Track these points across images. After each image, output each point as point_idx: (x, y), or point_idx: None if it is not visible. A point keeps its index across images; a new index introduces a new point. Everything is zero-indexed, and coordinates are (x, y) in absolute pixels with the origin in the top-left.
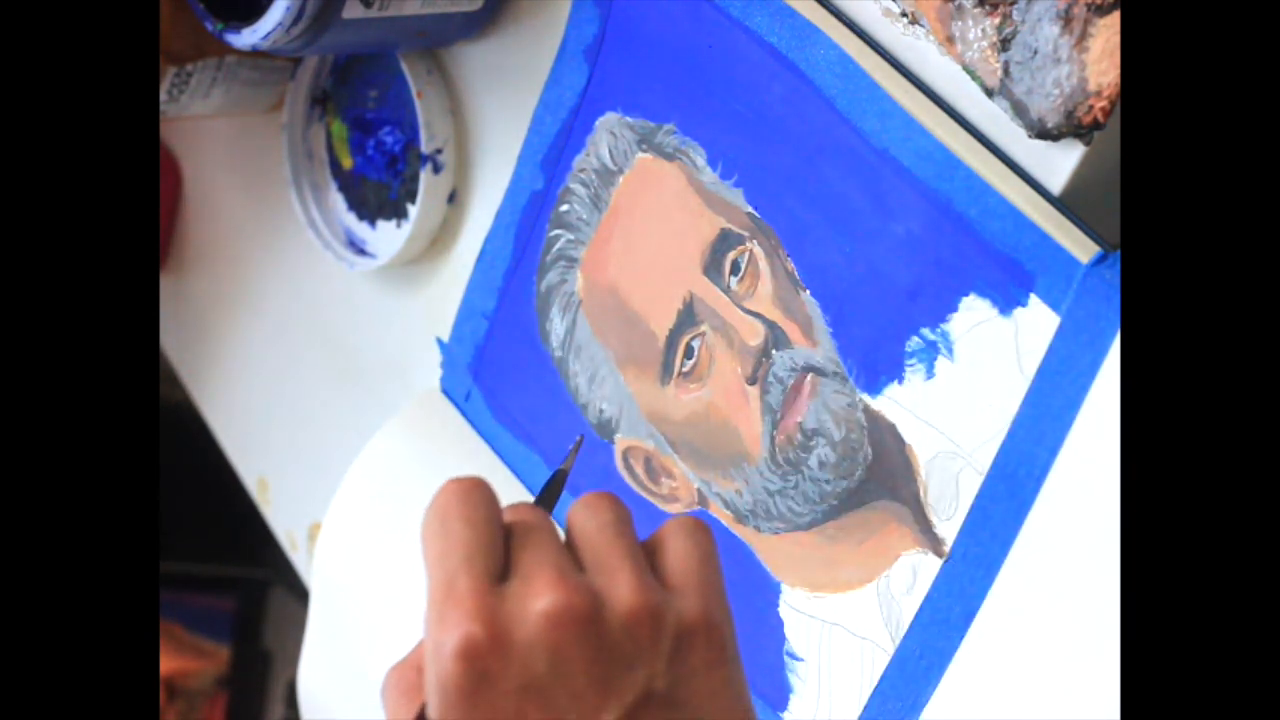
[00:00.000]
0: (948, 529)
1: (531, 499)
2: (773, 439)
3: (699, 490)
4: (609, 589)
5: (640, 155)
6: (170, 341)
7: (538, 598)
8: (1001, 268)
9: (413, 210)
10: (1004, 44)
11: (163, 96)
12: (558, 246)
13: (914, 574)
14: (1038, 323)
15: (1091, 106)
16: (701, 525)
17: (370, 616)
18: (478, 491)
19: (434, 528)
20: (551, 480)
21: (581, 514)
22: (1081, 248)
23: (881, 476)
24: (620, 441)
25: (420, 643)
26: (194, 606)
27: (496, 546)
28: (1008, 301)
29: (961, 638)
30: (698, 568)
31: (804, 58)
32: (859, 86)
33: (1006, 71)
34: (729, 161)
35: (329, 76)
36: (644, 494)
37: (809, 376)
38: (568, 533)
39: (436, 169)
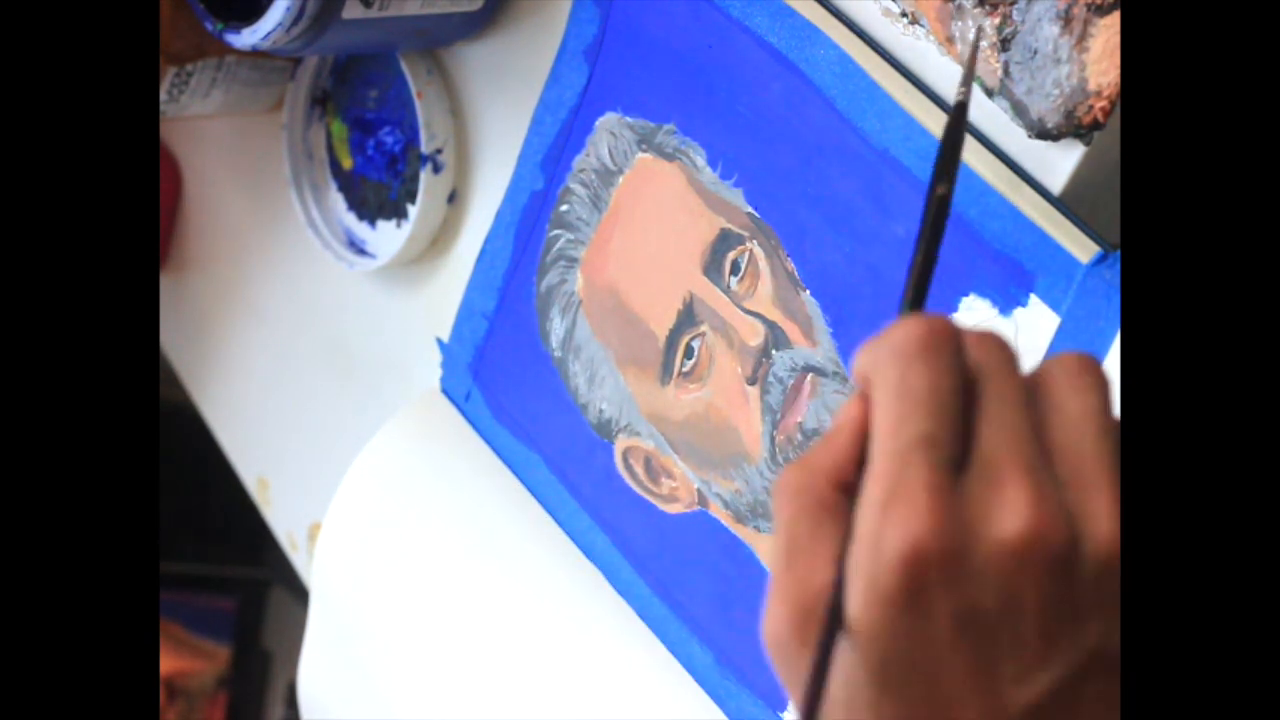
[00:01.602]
0: None
1: (535, 502)
2: (773, 439)
3: (699, 490)
4: (1089, 517)
5: (640, 155)
6: (170, 341)
7: (1006, 516)
8: (1001, 268)
9: (413, 210)
10: (1004, 44)
11: (163, 96)
12: (558, 246)
13: None
14: (1038, 323)
15: (1091, 106)
16: (1098, 371)
17: (370, 616)
18: (950, 343)
19: (891, 380)
20: (950, 128)
21: (1063, 385)
22: (1081, 248)
23: None
24: (620, 441)
25: (833, 442)
26: (194, 606)
27: (959, 423)
28: (1008, 301)
29: None
30: (1110, 469)
31: (804, 58)
32: (859, 86)
33: (1006, 71)
34: (729, 161)
35: (329, 76)
36: (644, 494)
37: (809, 377)
38: (1041, 401)
39: (436, 169)
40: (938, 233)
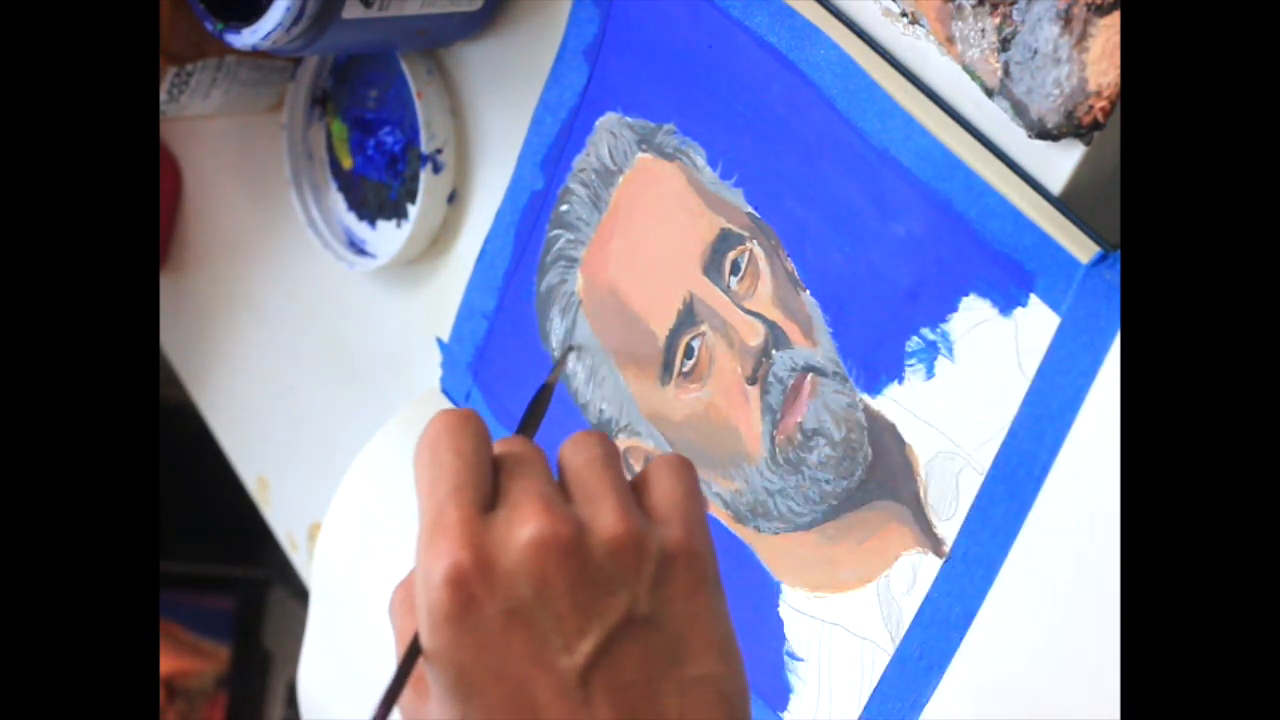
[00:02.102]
0: (948, 529)
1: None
2: (773, 439)
3: None
4: (594, 517)
5: (640, 155)
6: (170, 341)
7: (524, 525)
8: (1001, 268)
9: (413, 210)
10: (1004, 44)
11: (163, 96)
12: (558, 246)
13: (914, 574)
14: (1038, 323)
15: (1091, 106)
16: (685, 462)
17: (370, 616)
18: (468, 423)
19: (425, 458)
20: (536, 397)
21: (570, 449)
22: (1081, 248)
23: (881, 476)
24: (620, 441)
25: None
26: (194, 606)
27: (485, 477)
28: (1008, 301)
29: (961, 638)
30: (681, 500)
31: (804, 58)
32: (859, 86)
33: (1006, 71)
34: (729, 161)
35: (329, 76)
36: None
37: (809, 376)
38: (559, 469)
39: (436, 169)
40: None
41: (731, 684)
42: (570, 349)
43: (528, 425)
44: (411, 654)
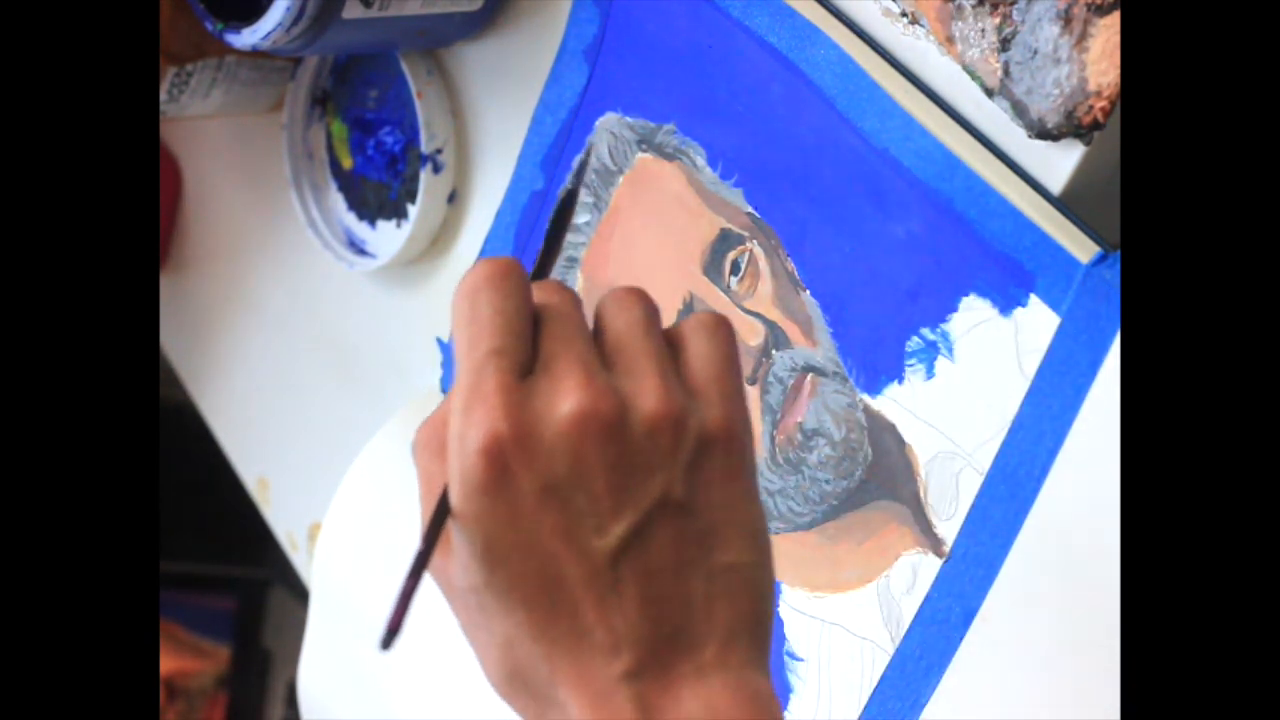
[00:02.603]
0: (948, 529)
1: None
2: (773, 439)
3: None
4: (634, 393)
5: (640, 155)
6: (170, 341)
7: (564, 399)
8: (1001, 268)
9: (413, 210)
10: (1004, 44)
11: (163, 96)
12: None
13: (914, 574)
14: (1038, 323)
15: (1091, 106)
16: (724, 323)
17: (370, 616)
18: (510, 276)
19: (463, 311)
20: (559, 210)
21: (611, 308)
22: (1081, 248)
23: (881, 476)
24: None
25: (449, 397)
26: (194, 606)
27: (525, 337)
28: (1008, 301)
29: (961, 638)
30: (719, 373)
31: (804, 58)
32: (859, 86)
33: (1006, 71)
34: (729, 161)
35: (329, 76)
36: None
37: (809, 376)
38: (596, 324)
39: (436, 169)
40: (561, 222)
41: (760, 571)
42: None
43: (549, 252)
44: (441, 513)
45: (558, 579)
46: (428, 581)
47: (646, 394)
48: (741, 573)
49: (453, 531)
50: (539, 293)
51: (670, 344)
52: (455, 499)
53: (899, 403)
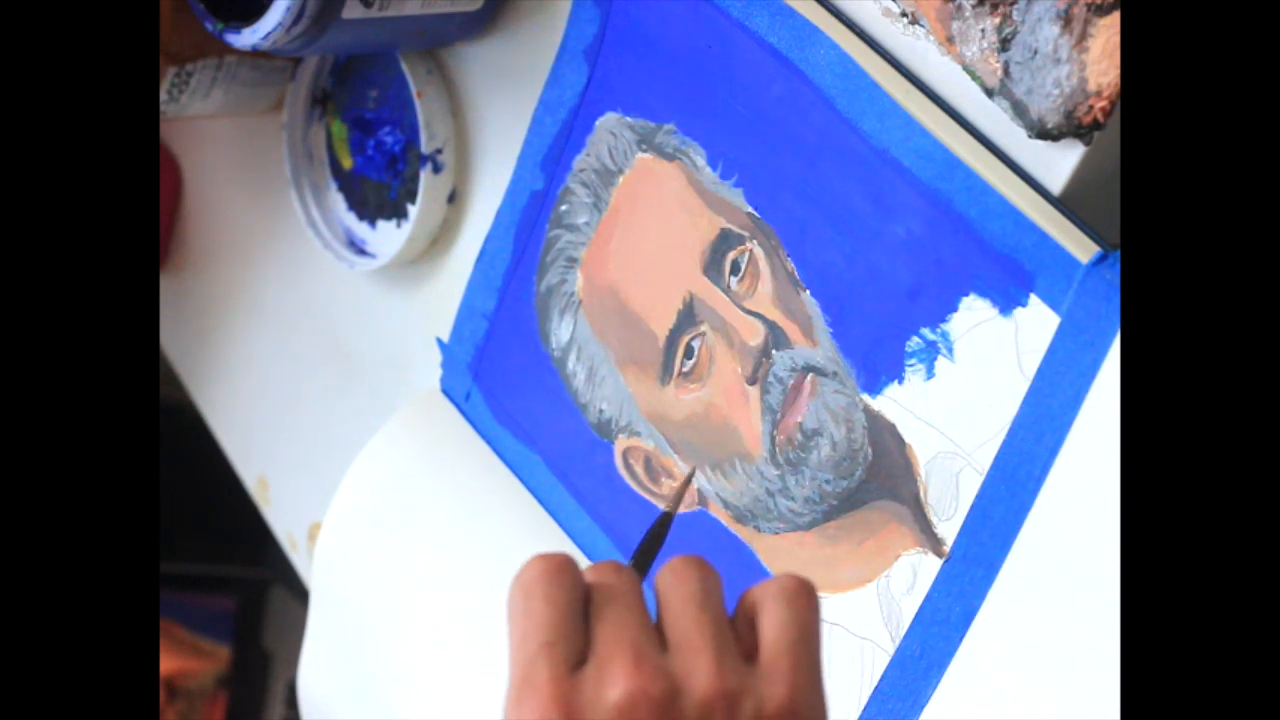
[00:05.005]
0: (948, 529)
1: (535, 502)
2: (773, 439)
3: (699, 490)
4: (687, 673)
5: (640, 155)
6: (170, 341)
7: (613, 686)
8: (1001, 268)
9: (413, 210)
10: (1004, 44)
11: (163, 96)
12: (558, 246)
13: (914, 574)
14: (1038, 323)
15: (1091, 106)
16: (804, 590)
17: (370, 617)
18: (564, 572)
19: (518, 605)
20: (653, 530)
21: (667, 581)
22: (1081, 248)
23: (881, 476)
24: (620, 441)
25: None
26: (194, 606)
27: (577, 629)
28: (1008, 301)
29: (961, 638)
30: (790, 646)
31: (804, 58)
32: (859, 86)
33: (1006, 71)
34: (729, 161)
35: (329, 76)
36: (644, 494)
37: (809, 376)
38: (657, 601)
39: (436, 169)
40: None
41: None
42: (694, 469)
43: (641, 559)
44: None
45: None
46: (426, 591)
47: (699, 673)
48: None
49: None
50: (594, 574)
51: (743, 612)
52: None
53: (899, 403)
